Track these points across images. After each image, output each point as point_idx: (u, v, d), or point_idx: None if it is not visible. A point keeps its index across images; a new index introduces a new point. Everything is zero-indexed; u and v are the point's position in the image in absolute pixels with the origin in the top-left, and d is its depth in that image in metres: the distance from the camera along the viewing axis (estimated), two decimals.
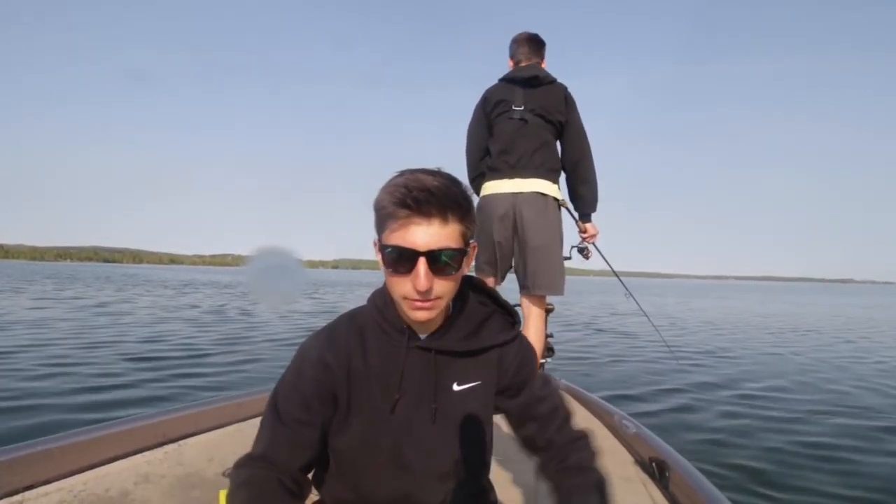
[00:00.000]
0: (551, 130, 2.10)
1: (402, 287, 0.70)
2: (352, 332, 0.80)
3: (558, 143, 2.16)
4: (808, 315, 16.41)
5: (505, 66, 2.26)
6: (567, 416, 0.85)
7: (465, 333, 0.80)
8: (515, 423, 0.86)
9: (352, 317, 0.83)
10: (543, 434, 0.83)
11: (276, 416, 0.75)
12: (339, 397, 0.77)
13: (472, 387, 0.81)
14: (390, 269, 0.70)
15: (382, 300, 0.80)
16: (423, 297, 0.69)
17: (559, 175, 2.15)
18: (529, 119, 2.07)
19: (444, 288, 0.71)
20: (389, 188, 0.68)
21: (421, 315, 0.71)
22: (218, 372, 4.90)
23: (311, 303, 14.28)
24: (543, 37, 2.22)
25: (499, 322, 0.84)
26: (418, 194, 0.66)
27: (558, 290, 2.06)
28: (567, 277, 2.09)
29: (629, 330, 9.71)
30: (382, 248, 0.70)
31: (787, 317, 15.24)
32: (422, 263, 0.67)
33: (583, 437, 0.84)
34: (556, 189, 2.11)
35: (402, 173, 0.70)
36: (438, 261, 0.68)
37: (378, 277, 0.80)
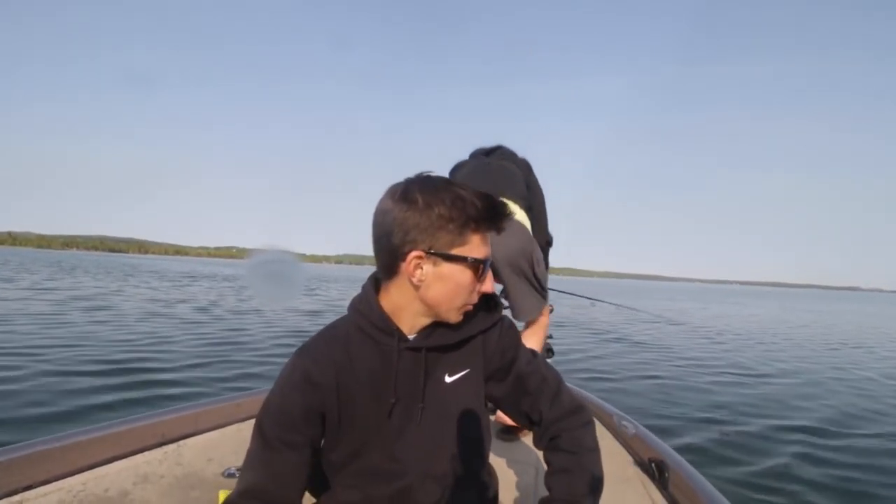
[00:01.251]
0: (517, 171, 1.94)
1: (470, 294, 0.76)
2: (335, 345, 0.78)
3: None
4: (841, 325, 15.17)
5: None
6: (558, 387, 0.85)
7: (454, 325, 0.80)
8: (511, 403, 0.86)
9: (332, 330, 0.81)
10: (537, 407, 0.84)
11: (264, 443, 0.74)
12: (328, 414, 0.76)
13: (463, 375, 0.82)
14: (473, 279, 0.75)
15: (367, 305, 0.79)
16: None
17: (526, 205, 1.87)
18: (494, 160, 1.98)
19: None
20: (459, 200, 0.71)
21: (461, 315, 0.79)
22: (186, 385, 3.98)
23: (309, 300, 13.95)
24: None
25: (481, 308, 0.84)
26: (500, 209, 0.74)
27: (526, 315, 1.80)
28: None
29: (645, 339, 9.51)
30: (466, 259, 0.73)
31: (821, 327, 13.95)
32: (490, 270, 0.77)
33: (576, 413, 0.84)
34: (522, 214, 1.81)
35: (449, 185, 0.73)
36: None
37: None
